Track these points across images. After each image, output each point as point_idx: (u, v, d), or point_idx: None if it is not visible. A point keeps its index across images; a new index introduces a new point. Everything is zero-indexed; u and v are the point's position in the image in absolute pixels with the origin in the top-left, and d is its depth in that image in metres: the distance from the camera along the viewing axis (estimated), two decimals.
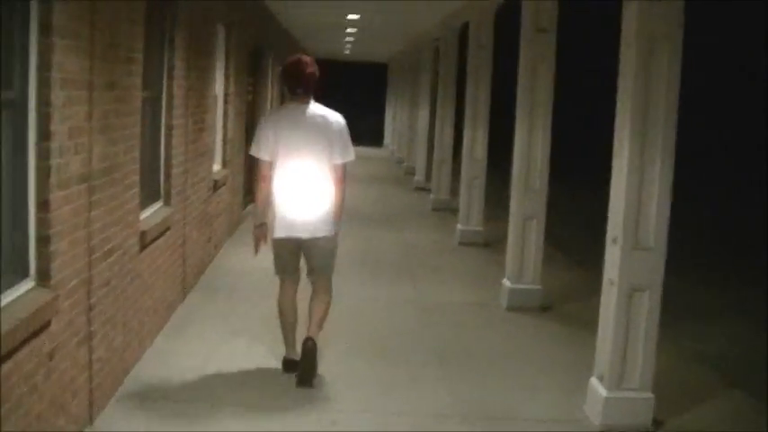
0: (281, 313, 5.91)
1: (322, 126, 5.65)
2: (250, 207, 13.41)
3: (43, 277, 4.06)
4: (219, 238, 9.89)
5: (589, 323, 7.73)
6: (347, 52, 27.65)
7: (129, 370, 5.61)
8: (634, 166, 5.28)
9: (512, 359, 6.76)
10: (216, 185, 9.32)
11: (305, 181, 5.63)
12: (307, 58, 5.78)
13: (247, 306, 7.69)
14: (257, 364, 6.12)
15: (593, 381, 5.58)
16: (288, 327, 5.91)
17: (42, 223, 4.03)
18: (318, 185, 5.66)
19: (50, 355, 4.09)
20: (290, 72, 5.74)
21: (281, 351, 6.10)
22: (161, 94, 6.84)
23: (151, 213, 6.48)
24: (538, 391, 6.04)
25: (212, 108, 9.05)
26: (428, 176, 18.05)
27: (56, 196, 4.10)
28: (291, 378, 5.82)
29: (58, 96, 4.05)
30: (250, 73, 13.28)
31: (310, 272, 5.90)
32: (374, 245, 11.35)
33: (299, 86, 5.68)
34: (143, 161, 5.99)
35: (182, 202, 7.41)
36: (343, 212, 5.87)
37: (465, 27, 14.00)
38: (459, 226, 11.70)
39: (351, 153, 5.75)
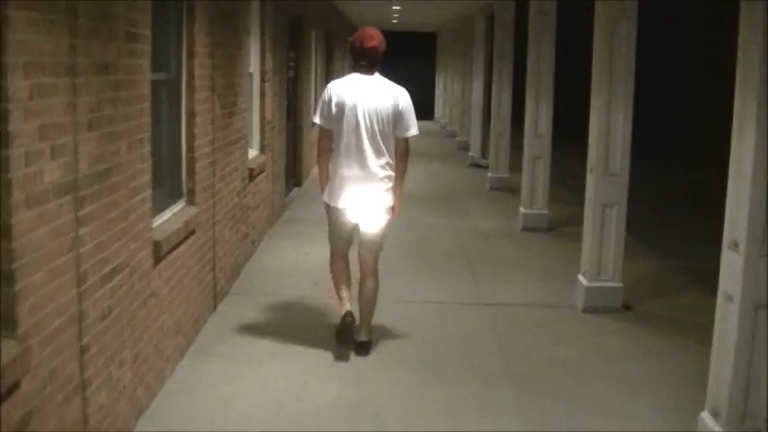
0: (335, 277, 6.03)
1: (386, 99, 5.64)
2: (293, 193, 12.50)
3: (9, 326, 3.11)
4: (258, 232, 8.96)
5: (681, 327, 6.73)
6: (394, 21, 26.52)
7: (143, 410, 4.69)
8: (760, 153, 4.20)
9: (599, 377, 5.71)
10: (252, 174, 8.36)
11: (367, 153, 5.61)
12: (372, 32, 5.80)
13: (288, 314, 6.76)
14: (296, 393, 5.16)
15: (706, 416, 4.54)
16: (343, 286, 5.98)
17: (5, 255, 3.08)
18: (380, 158, 5.65)
19: (23, 424, 3.16)
20: (354, 45, 5.79)
21: (323, 373, 5.39)
22: (180, 75, 5.88)
23: (170, 217, 5.53)
24: (635, 420, 5.01)
25: (246, 88, 8.07)
26: (484, 152, 16.98)
27: (23, 218, 3.14)
28: (333, 415, 4.89)
29: (19, 87, 3.09)
30: (290, 47, 12.30)
31: (361, 247, 5.96)
32: (427, 231, 10.36)
33: (362, 59, 5.73)
34: (157, 157, 5.05)
35: (209, 198, 6.47)
36: (402, 186, 5.89)
37: None
38: (521, 209, 10.62)
39: (415, 127, 5.77)
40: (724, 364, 4.43)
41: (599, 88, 6.96)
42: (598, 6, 6.98)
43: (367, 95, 5.62)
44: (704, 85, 28.77)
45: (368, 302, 5.96)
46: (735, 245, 4.34)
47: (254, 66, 9.09)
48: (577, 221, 11.01)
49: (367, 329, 5.98)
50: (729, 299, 4.39)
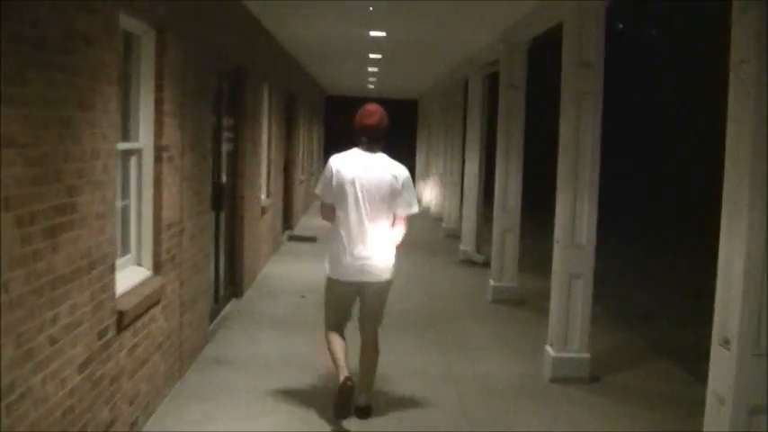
0: (330, 343, 5.95)
1: (385, 176, 5.76)
2: (229, 308, 9.10)
3: None
4: (147, 401, 5.54)
5: None
6: (371, 87, 23.45)
7: None
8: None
9: None
10: (124, 319, 4.99)
11: (366, 228, 5.72)
12: (373, 108, 5.93)
13: None
14: None
15: None
16: (338, 353, 5.87)
17: None
18: (380, 232, 5.77)
19: None
20: (356, 121, 5.87)
21: None
22: None
23: None
24: None
25: (105, 174, 4.67)
26: (479, 244, 13.69)
27: None
28: None
29: None
30: (226, 110, 9.04)
31: (363, 319, 5.99)
32: (411, 383, 6.94)
33: (362, 135, 5.85)
34: None
35: None
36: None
37: (538, 41, 9.80)
38: (549, 349, 7.24)
39: (416, 205, 5.91)
40: None
41: None
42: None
43: (366, 172, 5.74)
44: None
45: (369, 371, 6.01)
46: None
47: (143, 136, 5.79)
48: (630, 363, 7.80)
49: (368, 394, 6.01)
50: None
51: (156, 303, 5.82)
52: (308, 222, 17.98)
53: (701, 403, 4.36)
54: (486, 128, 13.44)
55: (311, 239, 14.86)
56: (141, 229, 5.84)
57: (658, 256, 16.44)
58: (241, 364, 7.28)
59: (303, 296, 10.07)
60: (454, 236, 16.33)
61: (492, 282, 10.51)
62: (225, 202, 8.90)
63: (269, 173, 12.56)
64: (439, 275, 12.59)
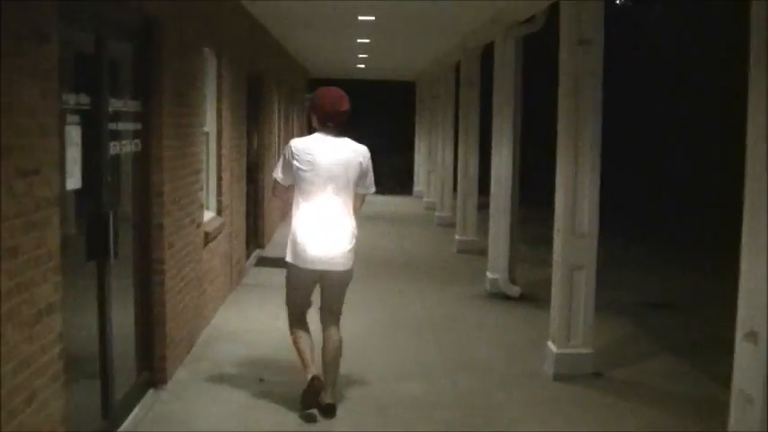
0: (297, 340, 5.81)
1: (350, 160, 5.62)
2: (141, 408, 5.40)
3: None
4: None
5: None
6: (361, 66, 19.76)
7: None
8: None
9: None
10: None
11: (328, 214, 5.58)
12: (339, 92, 5.73)
13: None
14: None
15: None
16: (306, 350, 5.75)
17: None
18: (341, 218, 5.62)
19: None
20: (322, 105, 5.67)
21: None
22: None
23: None
24: None
25: None
26: (512, 270, 10.01)
27: None
28: None
29: None
30: (116, 85, 5.41)
31: (323, 307, 5.83)
32: None
33: (330, 120, 5.66)
34: None
35: None
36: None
37: None
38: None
39: (372, 186, 5.80)
40: None
41: None
42: None
43: (335, 156, 5.58)
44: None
45: (333, 358, 5.75)
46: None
47: None
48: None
49: (332, 390, 5.76)
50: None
51: None
52: (287, 233, 14.20)
53: None
54: (520, 111, 9.78)
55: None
56: None
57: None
58: None
59: (262, 379, 6.47)
60: (471, 252, 12.70)
61: (553, 347, 6.79)
62: (117, 241, 5.20)
63: (219, 179, 8.87)
64: (461, 321, 8.80)
